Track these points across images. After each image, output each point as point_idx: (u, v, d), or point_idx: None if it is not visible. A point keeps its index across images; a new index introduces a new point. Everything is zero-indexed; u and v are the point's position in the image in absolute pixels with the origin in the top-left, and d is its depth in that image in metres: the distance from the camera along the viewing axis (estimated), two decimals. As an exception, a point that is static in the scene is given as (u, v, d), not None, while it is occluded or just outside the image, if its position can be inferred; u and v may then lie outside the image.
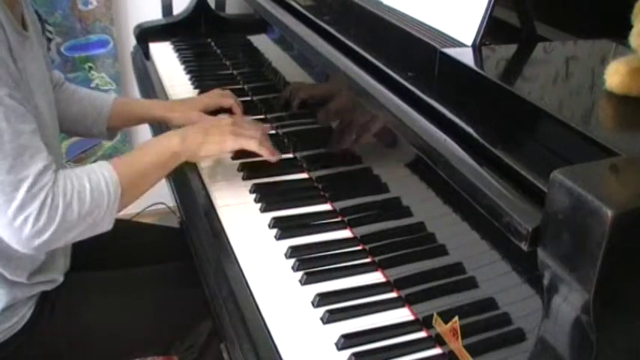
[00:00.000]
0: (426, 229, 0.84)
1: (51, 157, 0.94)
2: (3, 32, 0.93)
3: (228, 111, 1.38)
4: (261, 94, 1.49)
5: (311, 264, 0.95)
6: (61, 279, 1.13)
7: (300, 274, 0.94)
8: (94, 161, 2.31)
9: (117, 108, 1.33)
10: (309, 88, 1.24)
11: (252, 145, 1.12)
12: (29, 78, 1.01)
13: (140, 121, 1.40)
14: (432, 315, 0.82)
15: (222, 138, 1.10)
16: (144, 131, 2.03)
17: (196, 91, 1.56)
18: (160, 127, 1.52)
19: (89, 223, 0.95)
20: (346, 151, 1.07)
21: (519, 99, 0.72)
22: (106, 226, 0.99)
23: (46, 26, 2.09)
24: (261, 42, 1.51)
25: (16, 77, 0.94)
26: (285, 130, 1.33)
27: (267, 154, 1.14)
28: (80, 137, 2.01)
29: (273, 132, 1.35)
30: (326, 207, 1.10)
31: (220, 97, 1.38)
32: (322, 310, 0.86)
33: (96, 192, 0.95)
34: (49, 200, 0.90)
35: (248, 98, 1.51)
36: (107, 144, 2.32)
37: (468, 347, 0.76)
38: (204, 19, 1.87)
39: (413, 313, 0.87)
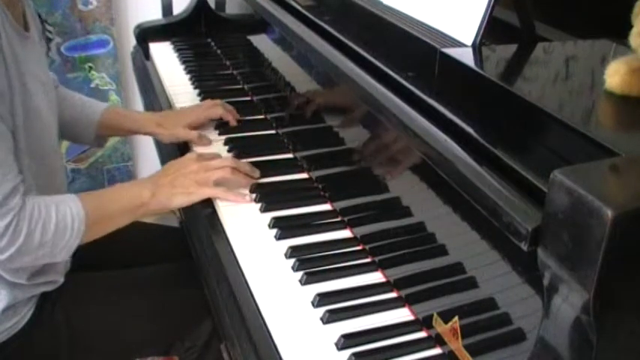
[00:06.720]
0: (426, 229, 0.84)
1: (20, 177, 0.95)
2: None
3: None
4: (261, 94, 1.49)
5: (311, 264, 0.95)
6: (61, 280, 1.13)
7: (300, 274, 0.93)
8: (94, 161, 2.35)
9: (107, 118, 1.32)
10: (309, 88, 1.24)
11: (218, 194, 1.10)
12: (29, 79, 1.00)
13: (130, 133, 1.40)
14: (432, 315, 0.82)
15: (187, 190, 1.09)
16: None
17: (196, 91, 1.56)
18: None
19: (46, 251, 0.97)
20: (346, 151, 1.07)
21: (519, 99, 0.72)
22: (62, 257, 1.01)
23: (46, 26, 2.09)
24: (261, 42, 1.51)
25: (2, 88, 0.93)
26: (285, 130, 1.33)
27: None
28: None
29: (273, 132, 1.35)
30: (326, 207, 1.10)
31: (210, 109, 1.36)
32: (322, 310, 0.86)
33: (61, 224, 0.97)
34: (13, 224, 0.92)
35: (248, 98, 1.51)
36: (107, 143, 2.32)
37: (468, 347, 0.75)
38: (204, 19, 1.87)
39: (413, 313, 0.87)
